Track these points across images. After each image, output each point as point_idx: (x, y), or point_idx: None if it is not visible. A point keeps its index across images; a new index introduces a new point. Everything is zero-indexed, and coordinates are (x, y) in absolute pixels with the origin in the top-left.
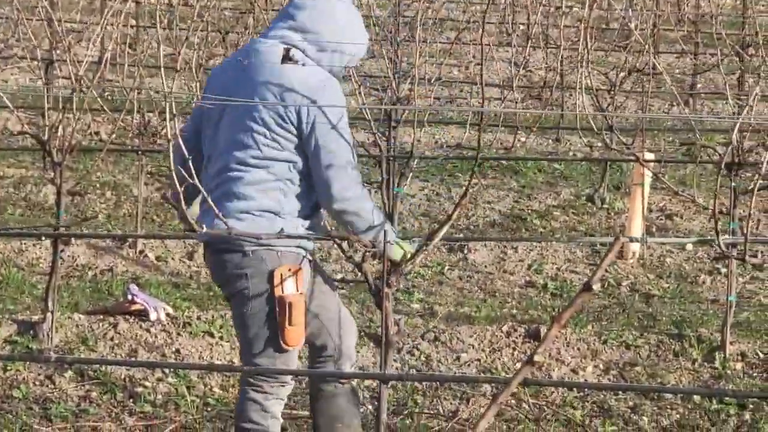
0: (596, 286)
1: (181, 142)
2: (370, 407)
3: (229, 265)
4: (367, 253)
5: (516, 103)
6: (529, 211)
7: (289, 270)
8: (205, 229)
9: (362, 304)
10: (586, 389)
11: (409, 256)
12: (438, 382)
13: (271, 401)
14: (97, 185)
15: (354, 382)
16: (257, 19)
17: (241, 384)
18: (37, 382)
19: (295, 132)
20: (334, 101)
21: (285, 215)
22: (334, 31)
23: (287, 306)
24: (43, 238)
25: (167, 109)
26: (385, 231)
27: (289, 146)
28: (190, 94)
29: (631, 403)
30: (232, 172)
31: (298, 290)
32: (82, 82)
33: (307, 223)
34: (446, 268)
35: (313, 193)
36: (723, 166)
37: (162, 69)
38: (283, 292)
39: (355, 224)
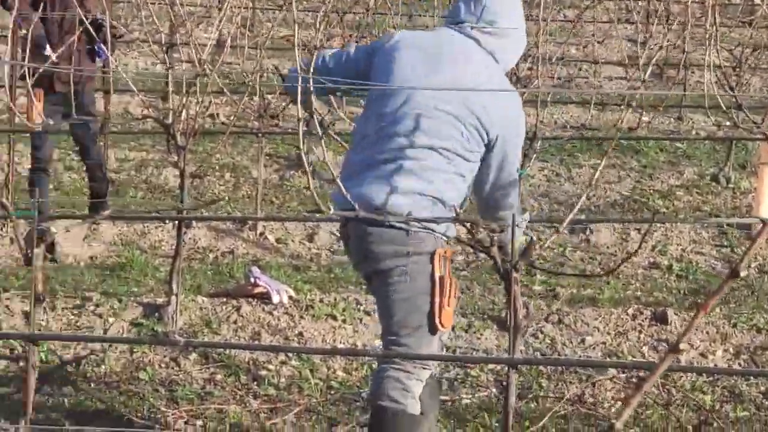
0: (744, 272)
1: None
2: (494, 390)
3: (387, 241)
4: (495, 237)
5: (642, 82)
6: (651, 192)
7: (445, 252)
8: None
9: (483, 286)
10: (715, 374)
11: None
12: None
13: (412, 381)
14: (216, 167)
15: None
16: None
17: (380, 362)
18: (163, 365)
19: (484, 138)
20: (521, 125)
21: (445, 204)
22: (518, 28)
23: (447, 285)
24: (167, 221)
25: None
26: (513, 215)
27: (473, 146)
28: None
29: (762, 388)
30: (413, 151)
31: (449, 272)
32: (204, 65)
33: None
34: (568, 249)
35: (468, 189)
36: None
37: (296, 49)
38: (443, 272)
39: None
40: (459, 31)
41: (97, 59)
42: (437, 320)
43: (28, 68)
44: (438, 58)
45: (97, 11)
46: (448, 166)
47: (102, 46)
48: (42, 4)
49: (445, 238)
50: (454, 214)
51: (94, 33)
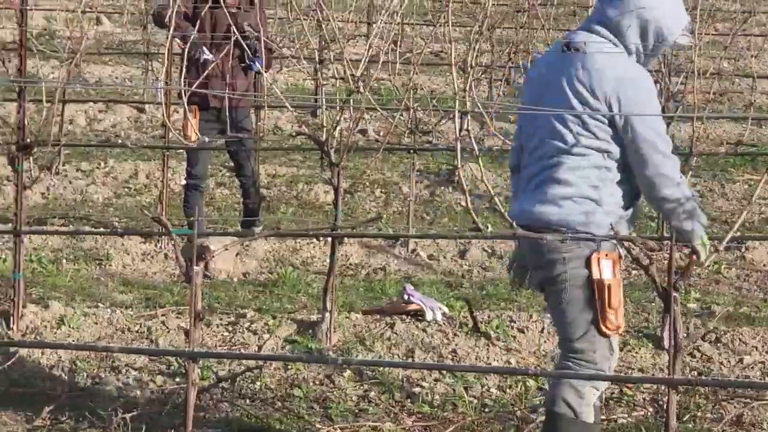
0: None
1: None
2: (650, 410)
3: (545, 248)
4: (653, 255)
5: None
6: None
7: (606, 255)
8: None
9: (637, 303)
10: None
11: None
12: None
13: (587, 388)
14: (367, 183)
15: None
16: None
17: (558, 368)
18: (317, 382)
19: (606, 122)
20: (642, 89)
21: (603, 204)
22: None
23: (606, 289)
24: (320, 239)
25: (455, 108)
26: (698, 223)
27: (603, 135)
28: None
29: None
30: (553, 159)
31: (614, 275)
32: (357, 82)
33: (625, 213)
34: (723, 266)
35: (631, 183)
36: None
37: (452, 68)
38: (601, 276)
39: (676, 212)
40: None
41: (250, 72)
42: (601, 325)
43: (183, 84)
44: (559, 60)
45: (248, 26)
46: (586, 163)
47: (256, 58)
48: (196, 21)
49: (608, 240)
50: (626, 217)
51: (246, 47)
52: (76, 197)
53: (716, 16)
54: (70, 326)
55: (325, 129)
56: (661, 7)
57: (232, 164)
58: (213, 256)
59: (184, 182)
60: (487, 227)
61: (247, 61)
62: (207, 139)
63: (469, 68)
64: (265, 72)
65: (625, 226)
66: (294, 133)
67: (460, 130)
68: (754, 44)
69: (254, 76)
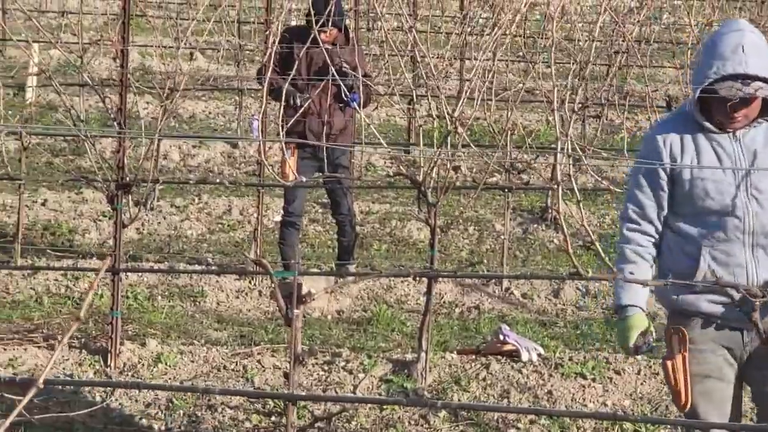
0: None
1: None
2: None
3: None
4: (757, 303)
5: None
6: None
7: (672, 330)
8: None
9: None
10: None
11: None
12: None
13: None
14: (460, 220)
15: None
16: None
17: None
18: (413, 422)
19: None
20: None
21: (663, 271)
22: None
23: (670, 369)
24: (418, 278)
25: (561, 150)
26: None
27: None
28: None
29: None
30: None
31: (678, 351)
32: (454, 122)
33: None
34: None
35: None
36: None
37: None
38: (667, 354)
39: None
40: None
41: (348, 109)
42: (676, 402)
43: (281, 124)
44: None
45: (344, 63)
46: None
47: (353, 95)
48: (292, 63)
49: (686, 312)
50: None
51: (343, 84)
52: (170, 233)
53: None
54: (166, 364)
55: (422, 169)
56: None
57: (326, 201)
58: (314, 299)
59: (279, 218)
60: (588, 271)
61: (344, 98)
62: (304, 179)
63: (567, 110)
64: (363, 108)
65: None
66: (391, 174)
67: (553, 169)
68: None
69: (351, 114)
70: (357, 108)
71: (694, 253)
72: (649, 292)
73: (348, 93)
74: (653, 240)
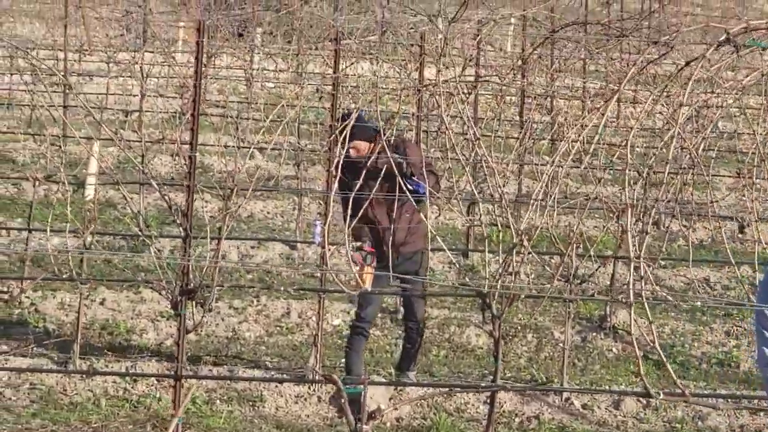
0: None
1: None
2: None
3: None
4: None
5: None
6: None
7: None
8: None
9: None
10: None
11: None
12: None
13: None
14: (519, 327)
15: None
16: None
17: None
18: None
19: None
20: None
21: None
22: None
23: None
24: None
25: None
26: None
27: None
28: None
29: None
30: None
31: None
32: (521, 235)
33: None
34: None
35: None
36: None
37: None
38: None
39: None
40: None
41: (415, 214)
42: None
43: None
44: None
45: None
46: None
47: (417, 183)
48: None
49: None
50: None
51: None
52: (228, 335)
53: None
54: None
55: (486, 281)
56: None
57: (385, 306)
58: (383, 416)
59: (338, 322)
60: (659, 393)
61: (407, 189)
62: (369, 288)
63: (628, 219)
64: (436, 193)
65: None
66: (454, 281)
67: (612, 277)
68: None
69: (419, 220)
70: (425, 192)
71: None
72: None
73: (410, 181)
74: None
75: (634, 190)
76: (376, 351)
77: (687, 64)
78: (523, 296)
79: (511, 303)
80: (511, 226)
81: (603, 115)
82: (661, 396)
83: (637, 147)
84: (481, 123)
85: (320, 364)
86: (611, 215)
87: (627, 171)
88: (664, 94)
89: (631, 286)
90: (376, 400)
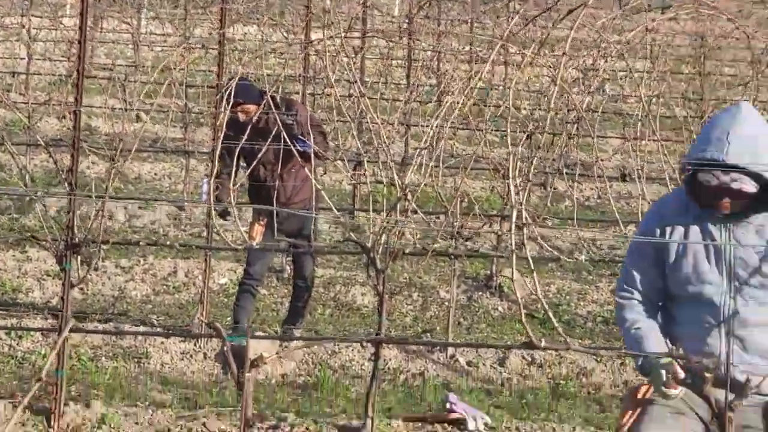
0: None
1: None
2: None
3: None
4: (708, 376)
5: None
6: None
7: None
8: None
9: None
10: None
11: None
12: None
13: None
14: (404, 286)
15: None
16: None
17: None
18: None
19: None
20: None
21: None
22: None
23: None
24: (363, 344)
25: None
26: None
27: None
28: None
29: None
30: None
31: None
32: (406, 189)
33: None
34: None
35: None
36: None
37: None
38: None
39: None
40: None
41: (302, 171)
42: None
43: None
44: None
45: (290, 119)
46: None
47: (301, 140)
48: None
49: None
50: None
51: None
52: (115, 293)
53: None
54: (110, 426)
55: (371, 236)
56: None
57: (272, 265)
58: (266, 363)
59: (225, 281)
60: (542, 341)
61: (294, 148)
62: (255, 244)
63: (512, 178)
64: (326, 154)
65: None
66: (339, 239)
67: (498, 237)
68: None
69: (305, 177)
70: (316, 155)
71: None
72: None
73: (295, 138)
74: (644, 308)
75: (519, 148)
76: (262, 309)
77: (569, 12)
78: (406, 251)
79: (394, 258)
80: (396, 183)
81: (490, 72)
82: (543, 344)
83: (524, 108)
84: (368, 86)
85: (206, 321)
86: (497, 175)
87: (507, 130)
88: (551, 56)
89: (512, 242)
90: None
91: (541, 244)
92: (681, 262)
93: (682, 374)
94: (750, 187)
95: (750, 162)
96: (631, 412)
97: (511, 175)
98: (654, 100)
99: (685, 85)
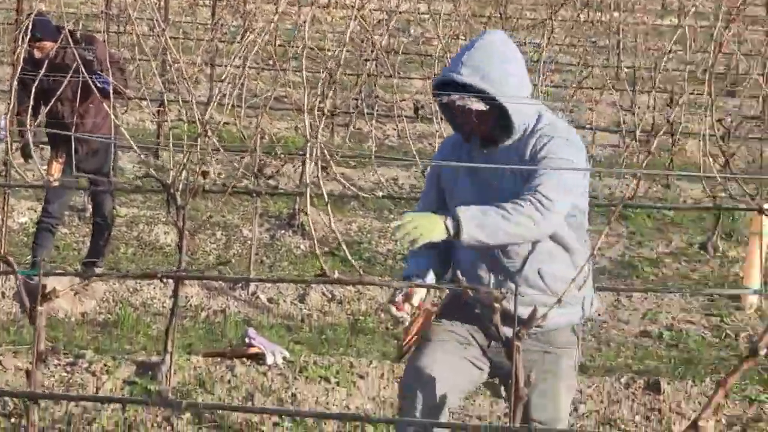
0: (762, 351)
1: None
2: None
3: None
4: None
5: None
6: (640, 259)
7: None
8: None
9: None
10: None
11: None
12: None
13: None
14: (207, 225)
15: None
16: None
17: None
18: (155, 424)
19: None
20: None
21: None
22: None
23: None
24: (164, 280)
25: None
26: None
27: None
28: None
29: None
30: None
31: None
32: (204, 126)
33: None
34: None
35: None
36: None
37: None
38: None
39: None
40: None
41: (101, 108)
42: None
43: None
44: None
45: (87, 53)
46: None
47: (100, 77)
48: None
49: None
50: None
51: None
52: None
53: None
54: None
55: (171, 172)
56: None
57: (73, 203)
58: (58, 296)
59: (25, 220)
60: (335, 273)
61: (92, 84)
62: (51, 180)
63: (317, 115)
64: (126, 91)
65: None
66: (141, 176)
67: (301, 175)
68: (591, 97)
69: (105, 115)
70: (116, 91)
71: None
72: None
73: (93, 74)
74: None
75: (319, 86)
76: (63, 248)
77: None
78: (206, 187)
79: (194, 194)
80: (197, 120)
81: (296, 14)
82: (336, 275)
83: (327, 50)
84: (171, 23)
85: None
86: (300, 115)
87: (303, 71)
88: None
89: (307, 175)
90: (63, 298)
91: (343, 183)
92: (453, 194)
93: (416, 301)
94: (479, 105)
95: (479, 83)
96: (412, 333)
97: (305, 110)
98: (453, 40)
99: (485, 28)
